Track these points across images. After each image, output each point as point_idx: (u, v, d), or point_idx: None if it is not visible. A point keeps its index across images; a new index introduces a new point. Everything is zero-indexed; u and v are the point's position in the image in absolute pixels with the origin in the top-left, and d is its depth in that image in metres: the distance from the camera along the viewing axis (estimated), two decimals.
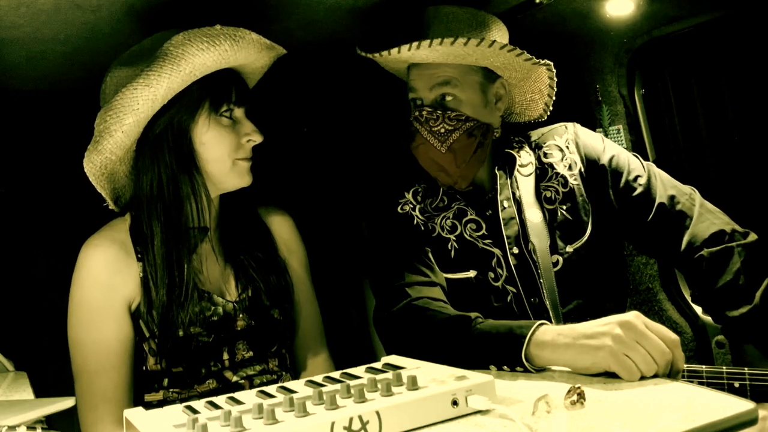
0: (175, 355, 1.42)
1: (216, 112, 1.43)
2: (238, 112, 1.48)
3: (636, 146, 2.08)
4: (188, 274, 1.43)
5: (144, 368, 1.44)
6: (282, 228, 1.66)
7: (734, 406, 0.91)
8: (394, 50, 1.48)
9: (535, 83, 1.65)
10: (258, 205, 1.66)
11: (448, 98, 1.54)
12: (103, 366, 1.39)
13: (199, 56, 1.35)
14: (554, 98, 1.67)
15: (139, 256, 1.44)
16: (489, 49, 1.46)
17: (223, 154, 1.45)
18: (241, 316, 1.49)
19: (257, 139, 1.48)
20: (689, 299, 2.01)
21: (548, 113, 1.71)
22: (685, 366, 1.28)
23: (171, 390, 1.44)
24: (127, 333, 1.42)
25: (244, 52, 1.42)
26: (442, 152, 1.52)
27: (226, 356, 1.46)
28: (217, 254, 1.52)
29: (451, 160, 1.53)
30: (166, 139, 1.42)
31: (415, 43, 1.45)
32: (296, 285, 1.63)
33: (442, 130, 1.52)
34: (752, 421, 0.89)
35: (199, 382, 1.44)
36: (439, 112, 1.52)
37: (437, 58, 1.50)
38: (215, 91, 1.43)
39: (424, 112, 1.53)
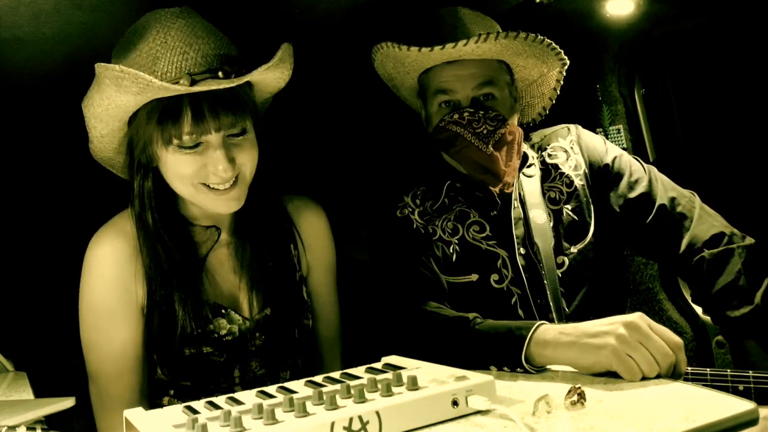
0: (182, 372, 1.37)
1: (169, 144, 1.25)
2: (208, 138, 1.26)
3: (636, 146, 2.08)
4: (184, 284, 1.34)
5: (154, 376, 1.40)
6: (312, 227, 1.54)
7: (735, 406, 0.91)
8: (461, 43, 1.42)
9: (539, 87, 1.66)
10: (288, 194, 1.55)
11: (489, 97, 1.53)
12: (120, 370, 1.34)
13: (116, 96, 1.22)
14: (554, 102, 1.68)
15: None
16: (540, 45, 1.48)
17: (183, 181, 1.29)
18: (257, 335, 1.41)
19: (222, 174, 1.26)
20: (689, 299, 2.01)
21: (542, 116, 1.73)
22: (690, 368, 1.29)
23: (177, 400, 1.40)
24: (143, 332, 1.36)
25: (166, 93, 1.22)
26: (487, 153, 1.50)
27: (237, 374, 1.40)
28: (233, 264, 1.43)
29: (497, 160, 1.51)
30: (134, 149, 1.32)
31: (484, 35, 1.42)
32: (318, 290, 1.55)
33: (485, 131, 1.50)
34: (753, 422, 0.89)
35: (206, 396, 1.39)
36: (481, 112, 1.50)
37: (484, 53, 1.48)
38: (163, 118, 1.24)
39: (465, 114, 1.51)
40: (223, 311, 1.39)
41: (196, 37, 1.27)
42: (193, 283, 1.36)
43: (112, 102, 1.24)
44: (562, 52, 1.53)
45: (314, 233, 1.55)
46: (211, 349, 1.37)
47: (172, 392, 1.40)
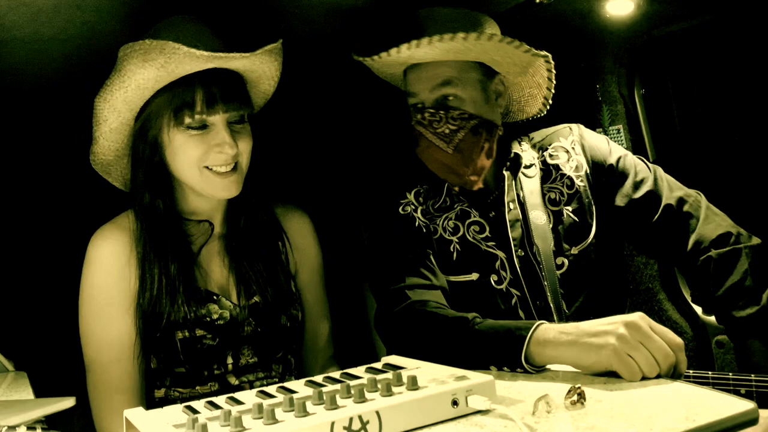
0: (177, 357, 1.41)
1: (180, 124, 1.37)
2: (215, 119, 1.38)
3: (636, 146, 2.08)
4: (178, 270, 1.41)
5: (150, 367, 1.44)
6: (298, 229, 1.63)
7: (735, 405, 0.91)
8: (393, 50, 1.47)
9: (533, 77, 1.64)
10: (276, 202, 1.64)
11: (450, 98, 1.52)
12: (117, 357, 1.39)
13: (139, 73, 1.32)
14: (553, 92, 1.66)
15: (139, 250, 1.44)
16: (488, 42, 1.45)
17: (189, 163, 1.40)
18: (248, 321, 1.47)
19: (228, 151, 1.38)
20: (689, 299, 2.01)
21: (547, 108, 1.71)
22: (691, 371, 1.29)
23: (173, 389, 1.44)
24: (139, 321, 1.41)
25: (189, 64, 1.33)
26: (449, 153, 1.51)
27: (230, 360, 1.45)
28: (223, 256, 1.51)
29: (459, 160, 1.51)
30: (141, 143, 1.42)
31: (414, 42, 1.44)
32: (307, 290, 1.62)
33: (447, 131, 1.50)
34: (752, 421, 0.89)
35: (201, 384, 1.44)
36: (441, 112, 1.51)
37: (437, 56, 1.50)
38: (178, 99, 1.37)
39: (426, 115, 1.52)
40: (214, 297, 1.45)
41: (202, 35, 1.39)
42: (186, 272, 1.43)
43: (132, 82, 1.33)
44: (525, 44, 1.49)
45: (300, 234, 1.63)
46: (204, 332, 1.42)
47: (168, 382, 1.44)
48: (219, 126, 1.39)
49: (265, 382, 1.48)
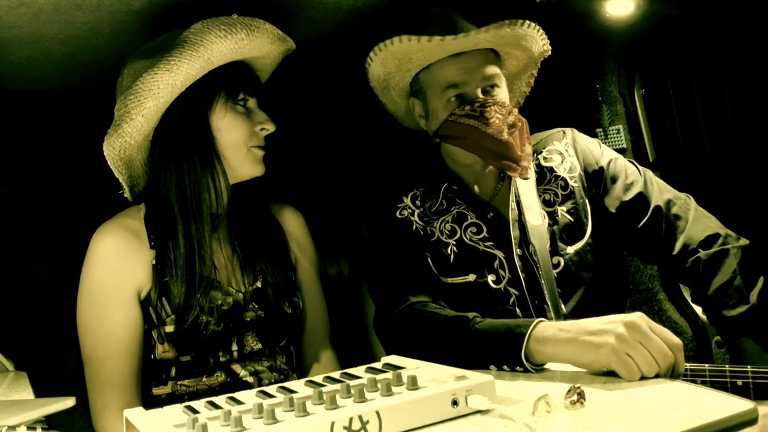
0: (184, 341, 1.42)
1: (233, 100, 1.47)
2: (251, 103, 1.51)
3: (636, 146, 2.08)
4: (209, 260, 1.45)
5: (152, 357, 1.44)
6: (293, 225, 1.68)
7: (734, 405, 0.91)
8: (483, 29, 1.47)
9: (517, 81, 1.71)
10: (270, 201, 1.68)
11: (497, 88, 1.56)
12: (110, 353, 1.40)
13: (217, 44, 1.38)
14: (528, 93, 1.73)
15: (152, 243, 1.45)
16: (537, 33, 1.53)
17: (238, 140, 1.48)
18: (251, 306, 1.49)
19: (270, 128, 1.51)
20: (689, 299, 2.01)
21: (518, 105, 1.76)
22: (688, 365, 1.29)
23: (179, 383, 1.44)
24: (136, 320, 1.42)
25: (258, 42, 1.45)
26: (503, 141, 1.50)
27: (234, 347, 1.47)
28: (226, 244, 1.54)
29: (513, 145, 1.51)
30: (186, 125, 1.44)
31: (493, 24, 1.47)
32: (305, 282, 1.65)
33: (497, 121, 1.51)
34: (752, 421, 0.89)
35: (207, 374, 1.44)
36: (490, 101, 1.53)
37: (485, 42, 1.52)
38: (231, 80, 1.47)
39: (476, 105, 1.52)
40: (216, 283, 1.47)
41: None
42: (198, 262, 1.44)
43: (206, 53, 1.38)
44: (548, 42, 1.57)
45: (296, 229, 1.68)
46: (209, 317, 1.43)
47: (173, 372, 1.44)
48: (256, 108, 1.52)
49: (273, 378, 1.49)
